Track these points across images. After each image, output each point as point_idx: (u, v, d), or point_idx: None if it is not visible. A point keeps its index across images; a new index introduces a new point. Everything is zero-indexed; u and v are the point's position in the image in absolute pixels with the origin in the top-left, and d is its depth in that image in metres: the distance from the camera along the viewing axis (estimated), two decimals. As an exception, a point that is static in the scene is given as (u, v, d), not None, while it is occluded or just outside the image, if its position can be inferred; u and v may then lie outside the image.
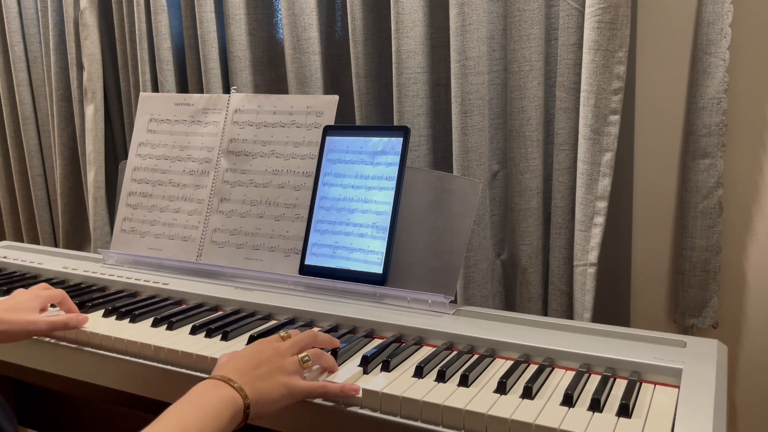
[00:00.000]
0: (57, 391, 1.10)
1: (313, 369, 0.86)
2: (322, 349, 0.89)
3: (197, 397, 0.74)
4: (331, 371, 0.87)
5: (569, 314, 1.25)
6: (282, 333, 0.87)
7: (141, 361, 0.97)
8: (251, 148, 1.28)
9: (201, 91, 1.57)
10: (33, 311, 1.01)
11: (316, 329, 1.03)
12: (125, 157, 1.47)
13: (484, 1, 1.22)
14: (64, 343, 1.04)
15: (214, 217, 1.28)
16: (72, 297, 1.17)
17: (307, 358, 0.83)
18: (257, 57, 1.53)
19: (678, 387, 0.80)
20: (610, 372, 0.85)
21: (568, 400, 0.77)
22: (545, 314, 1.29)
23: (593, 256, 1.16)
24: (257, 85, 1.54)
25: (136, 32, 1.63)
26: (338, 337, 0.97)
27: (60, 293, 1.08)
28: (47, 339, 1.06)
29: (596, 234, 1.16)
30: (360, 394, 0.82)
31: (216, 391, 0.74)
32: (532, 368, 0.87)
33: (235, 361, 0.81)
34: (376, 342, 0.98)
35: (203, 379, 0.78)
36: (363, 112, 1.39)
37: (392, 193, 1.11)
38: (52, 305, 1.10)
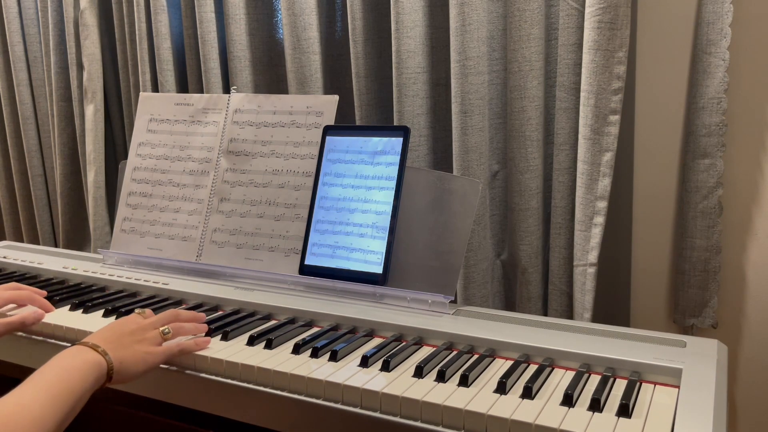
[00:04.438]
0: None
1: (173, 342, 0.93)
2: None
3: (62, 360, 0.79)
4: (199, 346, 0.92)
5: (569, 314, 1.25)
6: (138, 311, 0.94)
7: (141, 361, 0.97)
8: (251, 148, 1.28)
9: (201, 91, 1.57)
10: None
11: (315, 329, 1.03)
12: (125, 157, 1.47)
13: (484, 1, 1.22)
14: (64, 344, 1.04)
15: (214, 217, 1.28)
16: (72, 297, 1.17)
17: (167, 330, 0.91)
18: (257, 57, 1.53)
19: (678, 387, 0.80)
20: (610, 372, 0.85)
21: (568, 400, 0.77)
22: (545, 314, 1.29)
23: (593, 256, 1.16)
24: (257, 85, 1.54)
25: (136, 32, 1.63)
26: (338, 337, 0.97)
27: (26, 295, 1.09)
28: (47, 339, 1.06)
29: (596, 234, 1.16)
30: (210, 345, 0.93)
31: (81, 355, 0.80)
32: (532, 368, 0.87)
33: (101, 332, 0.88)
34: (376, 342, 0.98)
35: (204, 379, 0.78)
36: (363, 112, 1.39)
37: (392, 193, 1.11)
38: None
